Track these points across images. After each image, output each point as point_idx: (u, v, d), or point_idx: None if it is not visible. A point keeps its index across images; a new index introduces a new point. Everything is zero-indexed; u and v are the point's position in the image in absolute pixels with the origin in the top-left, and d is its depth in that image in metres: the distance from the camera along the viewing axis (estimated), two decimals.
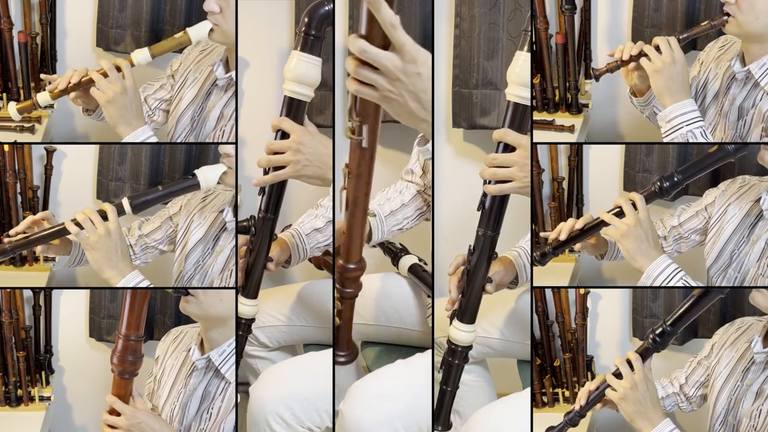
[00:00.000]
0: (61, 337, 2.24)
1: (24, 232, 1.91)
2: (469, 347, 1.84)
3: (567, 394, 2.20)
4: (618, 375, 1.81)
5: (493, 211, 1.75)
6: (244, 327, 1.97)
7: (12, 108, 2.01)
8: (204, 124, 2.06)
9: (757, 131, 1.92)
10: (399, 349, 2.17)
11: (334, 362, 1.95)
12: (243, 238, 1.94)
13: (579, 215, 2.21)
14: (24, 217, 2.03)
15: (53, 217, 1.94)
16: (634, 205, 1.81)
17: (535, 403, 2.18)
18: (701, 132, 1.85)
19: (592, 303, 2.20)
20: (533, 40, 2.16)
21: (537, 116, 2.20)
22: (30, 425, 2.18)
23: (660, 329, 1.79)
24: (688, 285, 1.80)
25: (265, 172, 1.82)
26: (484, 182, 1.73)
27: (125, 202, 1.90)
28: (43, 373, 2.22)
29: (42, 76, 2.03)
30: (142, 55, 1.98)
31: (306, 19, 1.76)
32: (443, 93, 2.40)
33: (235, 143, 2.01)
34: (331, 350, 1.96)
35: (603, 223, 1.82)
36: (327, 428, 1.96)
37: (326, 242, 2.08)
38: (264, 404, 1.93)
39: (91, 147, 2.22)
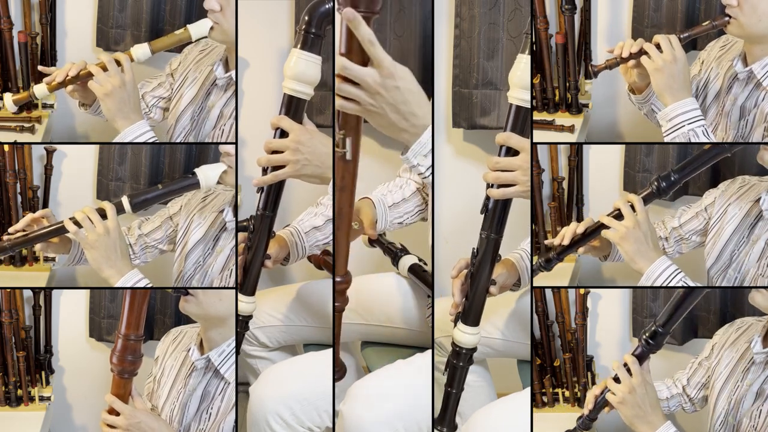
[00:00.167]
0: (61, 337, 2.24)
1: (23, 230, 1.91)
2: (474, 349, 1.85)
3: (567, 394, 2.20)
4: (617, 379, 1.81)
5: (496, 214, 1.75)
6: (241, 324, 1.97)
7: (8, 99, 2.01)
8: (204, 124, 2.06)
9: (759, 131, 1.92)
10: (399, 349, 2.17)
11: (335, 365, 1.95)
12: (242, 236, 1.94)
13: (579, 215, 2.22)
14: (24, 217, 2.03)
15: (52, 215, 1.94)
16: (633, 207, 1.81)
17: (535, 403, 2.18)
18: (703, 131, 1.84)
19: (592, 303, 2.20)
20: (533, 40, 2.16)
21: (537, 116, 2.20)
22: (30, 425, 2.18)
23: (652, 330, 1.79)
24: (687, 286, 1.80)
25: (264, 171, 1.82)
26: (487, 186, 1.73)
27: (125, 201, 1.90)
28: (43, 373, 2.22)
29: (40, 68, 2.02)
30: (141, 50, 1.98)
31: (306, 17, 1.75)
32: (443, 93, 2.40)
33: (235, 143, 2.01)
34: (330, 350, 1.96)
35: (604, 226, 1.83)
36: (327, 428, 1.96)
37: (325, 240, 2.08)
38: (264, 404, 1.93)
39: (91, 147, 2.22)
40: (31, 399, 2.20)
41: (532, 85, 1.96)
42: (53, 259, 2.20)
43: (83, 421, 2.27)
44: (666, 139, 1.87)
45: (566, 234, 1.87)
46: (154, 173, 2.19)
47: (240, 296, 1.94)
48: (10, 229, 1.92)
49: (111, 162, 2.21)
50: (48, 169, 2.21)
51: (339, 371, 1.95)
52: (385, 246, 2.24)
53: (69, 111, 2.20)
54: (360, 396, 1.86)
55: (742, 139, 1.94)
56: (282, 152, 1.79)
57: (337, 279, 1.88)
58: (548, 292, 2.18)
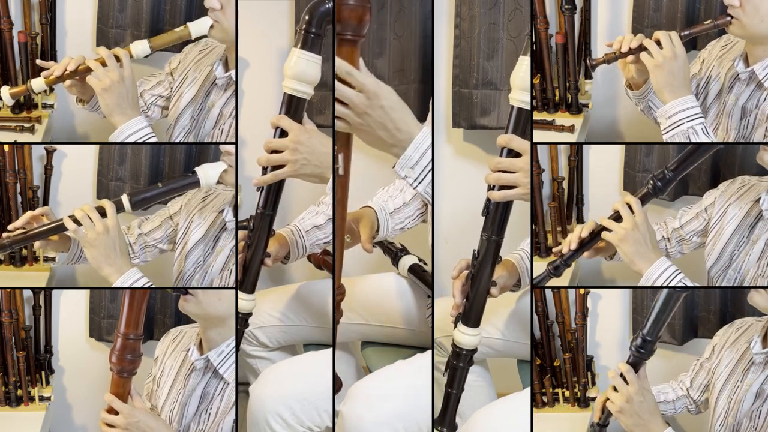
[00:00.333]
0: (61, 337, 2.24)
1: (23, 228, 1.91)
2: (474, 350, 1.84)
3: (567, 394, 2.20)
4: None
5: (497, 215, 1.75)
6: (241, 321, 1.97)
7: (5, 92, 2.00)
8: (203, 123, 2.06)
9: (760, 131, 1.91)
10: (399, 349, 2.17)
11: (334, 362, 1.95)
12: (242, 234, 1.94)
13: (579, 215, 2.22)
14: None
15: (52, 213, 1.94)
16: (631, 208, 1.81)
17: (535, 403, 2.18)
18: (702, 128, 1.84)
19: (592, 303, 2.20)
20: (533, 40, 2.16)
21: (537, 116, 2.20)
22: (30, 425, 2.18)
23: (639, 339, 1.80)
24: (686, 286, 1.80)
25: (265, 170, 1.82)
26: (489, 188, 1.74)
27: (124, 199, 1.90)
28: (43, 373, 2.22)
29: (38, 62, 2.02)
30: (141, 46, 1.98)
31: (306, 17, 1.75)
32: (443, 93, 2.40)
33: (235, 143, 2.01)
34: (330, 350, 1.96)
35: (605, 229, 1.83)
36: (327, 428, 1.96)
37: (326, 239, 2.08)
38: (264, 404, 1.93)
39: (91, 147, 2.22)
40: (31, 399, 2.20)
41: (532, 85, 1.96)
42: (53, 259, 2.20)
43: (83, 421, 2.27)
44: (665, 137, 1.86)
45: (572, 240, 1.87)
46: (154, 173, 2.19)
47: (240, 294, 1.94)
48: (10, 227, 1.92)
49: (111, 162, 2.21)
50: (48, 169, 2.21)
51: (335, 385, 1.95)
52: (385, 246, 2.24)
53: (69, 111, 2.19)
54: (360, 396, 1.86)
55: (743, 139, 1.94)
56: (281, 152, 1.79)
57: None
58: (548, 292, 2.18)
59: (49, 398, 2.21)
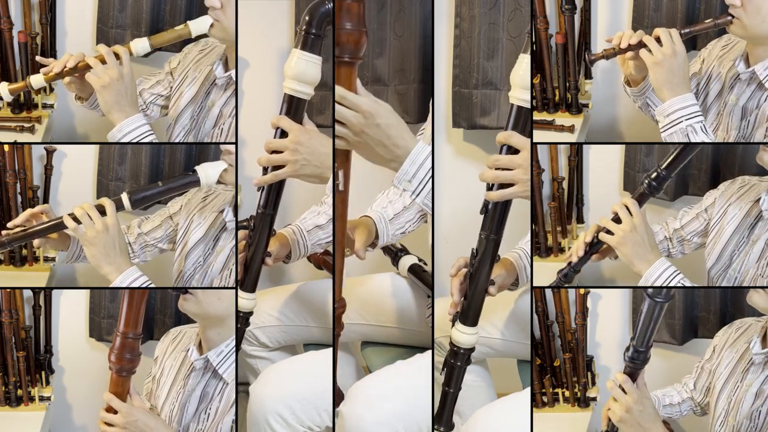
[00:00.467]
0: (61, 337, 2.24)
1: (22, 226, 1.91)
2: (472, 349, 1.84)
3: (567, 394, 2.20)
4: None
5: (496, 214, 1.75)
6: (242, 320, 1.97)
7: (4, 88, 2.00)
8: (203, 123, 2.06)
9: (760, 132, 1.91)
10: (399, 349, 2.17)
11: (335, 362, 1.95)
12: (242, 233, 1.95)
13: (579, 215, 2.22)
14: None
15: (51, 211, 1.94)
16: (629, 210, 1.82)
17: (535, 403, 2.18)
18: (701, 127, 1.83)
19: (592, 303, 2.20)
20: (533, 40, 2.16)
21: (537, 116, 2.20)
22: (30, 425, 2.18)
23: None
24: (685, 286, 1.80)
25: (265, 170, 1.83)
26: (487, 187, 1.73)
27: (124, 197, 1.90)
28: (43, 373, 2.22)
29: (38, 58, 2.02)
30: (141, 44, 1.98)
31: (307, 18, 1.76)
32: (443, 93, 2.40)
33: (235, 143, 2.01)
34: (330, 350, 1.96)
35: (608, 231, 1.84)
36: (327, 428, 1.96)
37: (327, 239, 2.08)
38: (264, 403, 1.93)
39: (91, 147, 2.22)
40: (31, 399, 2.20)
41: (532, 85, 1.96)
42: (53, 259, 2.21)
43: (83, 421, 2.27)
44: (663, 135, 1.86)
45: (578, 247, 1.89)
46: (154, 173, 2.19)
47: (240, 293, 1.95)
48: (9, 224, 1.92)
49: (111, 162, 2.21)
50: (48, 169, 2.21)
51: (337, 399, 1.95)
52: (385, 246, 2.24)
53: (69, 111, 2.20)
54: (360, 396, 1.86)
55: (743, 139, 1.93)
56: (282, 152, 1.80)
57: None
58: (548, 292, 2.18)
59: (49, 398, 2.21)
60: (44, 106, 2.18)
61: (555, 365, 2.21)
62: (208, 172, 1.93)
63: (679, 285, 1.80)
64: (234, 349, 1.88)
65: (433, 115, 2.09)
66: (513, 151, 1.71)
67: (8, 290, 2.18)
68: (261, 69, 2.37)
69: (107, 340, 2.21)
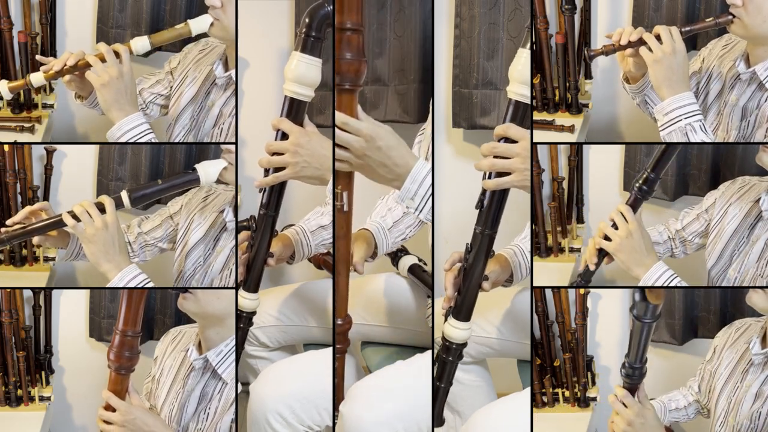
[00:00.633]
0: (61, 337, 2.24)
1: (21, 223, 1.91)
2: (464, 345, 1.84)
3: (567, 394, 2.20)
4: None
5: (491, 209, 1.75)
6: (245, 320, 1.98)
7: (3, 86, 2.00)
8: (203, 123, 2.07)
9: (760, 132, 1.91)
10: (399, 349, 2.17)
11: (334, 362, 1.95)
12: (245, 234, 1.96)
13: (579, 215, 2.22)
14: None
15: (51, 209, 1.94)
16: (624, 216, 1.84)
17: (535, 403, 2.18)
18: (700, 126, 1.83)
19: (592, 303, 2.20)
20: (533, 40, 2.15)
21: (537, 116, 2.20)
22: (30, 425, 2.18)
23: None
24: (685, 287, 1.81)
25: (266, 172, 1.84)
26: (483, 177, 1.73)
27: (124, 195, 1.90)
28: (43, 373, 2.22)
29: (38, 57, 2.02)
30: (141, 42, 1.98)
31: (306, 20, 1.78)
32: (443, 93, 2.40)
33: (235, 143, 2.01)
34: (330, 349, 1.96)
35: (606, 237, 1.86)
36: (327, 427, 1.96)
37: (331, 239, 2.08)
38: (264, 403, 1.93)
39: (91, 147, 2.22)
40: (31, 399, 2.20)
41: (532, 85, 1.96)
42: (53, 259, 2.21)
43: (83, 421, 2.27)
44: (662, 134, 1.85)
45: (591, 254, 1.90)
46: (154, 173, 2.19)
47: (243, 293, 1.95)
48: (8, 221, 1.91)
49: (111, 162, 2.21)
50: (48, 169, 2.21)
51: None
52: None
53: (69, 111, 2.19)
54: (360, 396, 1.86)
55: (743, 140, 1.93)
56: (282, 154, 1.80)
57: (338, 321, 1.91)
58: (548, 292, 2.18)
59: (49, 398, 2.21)
60: (44, 106, 2.18)
61: (555, 365, 2.21)
62: (207, 170, 1.93)
63: (677, 285, 1.81)
64: (233, 349, 1.88)
65: (433, 115, 2.09)
66: (511, 143, 1.71)
67: (8, 290, 2.18)
68: (261, 69, 2.37)
69: (107, 340, 2.21)
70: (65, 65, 1.95)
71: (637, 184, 1.85)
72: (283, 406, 1.92)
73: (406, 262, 2.19)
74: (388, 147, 1.71)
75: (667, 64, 1.82)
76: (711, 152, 2.13)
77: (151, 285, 1.88)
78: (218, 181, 1.96)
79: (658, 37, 1.83)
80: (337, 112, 1.71)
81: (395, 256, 2.22)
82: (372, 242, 2.02)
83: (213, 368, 1.86)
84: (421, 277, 2.15)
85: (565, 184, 2.22)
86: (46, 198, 2.20)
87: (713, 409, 1.95)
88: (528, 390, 1.90)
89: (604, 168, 2.20)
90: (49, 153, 2.20)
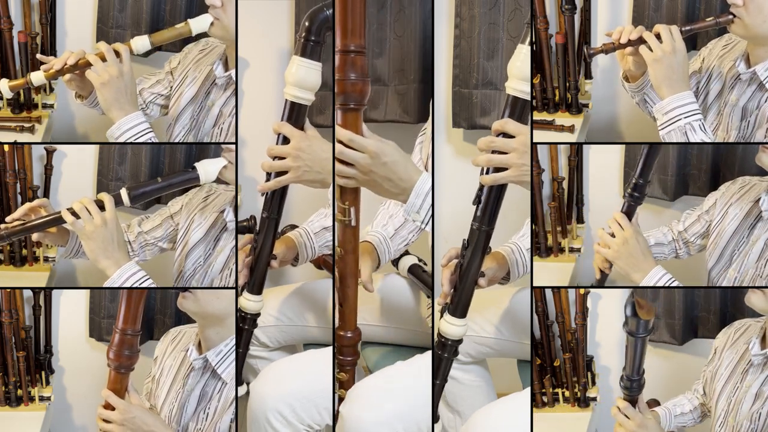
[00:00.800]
0: (61, 337, 2.24)
1: (21, 220, 1.91)
2: (460, 341, 1.84)
3: (567, 394, 2.20)
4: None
5: (488, 205, 1.75)
6: (249, 322, 1.99)
7: (4, 84, 2.00)
8: (203, 123, 2.07)
9: (760, 132, 1.91)
10: (399, 349, 2.17)
11: (334, 362, 1.95)
12: (248, 237, 1.97)
13: (579, 215, 2.22)
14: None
15: (50, 205, 1.94)
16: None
17: (535, 403, 2.18)
18: (700, 125, 1.82)
19: (592, 303, 2.20)
20: (533, 40, 2.15)
21: (537, 116, 2.20)
22: (30, 425, 2.18)
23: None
24: (685, 287, 1.82)
25: (268, 176, 1.86)
26: (480, 173, 1.73)
27: (123, 193, 1.90)
28: (43, 373, 2.22)
29: (38, 56, 2.02)
30: (141, 42, 1.98)
31: (306, 24, 1.80)
32: (443, 93, 2.40)
33: (235, 143, 2.01)
34: (330, 348, 1.96)
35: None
36: (327, 426, 1.96)
37: None
38: (264, 401, 1.93)
39: (91, 147, 2.22)
40: (31, 399, 2.20)
41: (532, 85, 1.96)
42: (53, 259, 2.21)
43: (83, 421, 2.27)
44: (662, 133, 1.85)
45: (601, 261, 1.95)
46: (154, 173, 2.20)
47: (247, 295, 1.96)
48: (8, 218, 1.92)
49: (111, 162, 2.21)
50: (48, 169, 2.21)
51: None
52: None
53: (69, 111, 2.19)
54: (360, 397, 1.86)
55: (743, 140, 1.93)
56: (284, 158, 1.83)
57: (348, 334, 1.93)
58: (548, 292, 2.18)
59: (49, 398, 2.21)
60: (44, 106, 2.18)
61: (555, 365, 2.21)
62: (207, 168, 1.93)
63: (676, 286, 1.82)
64: (233, 348, 1.88)
65: (433, 115, 2.09)
66: (509, 138, 1.71)
67: (8, 290, 2.18)
68: (261, 69, 2.37)
69: (107, 339, 2.20)
70: (66, 64, 1.95)
71: (628, 191, 1.87)
72: (284, 404, 1.92)
73: (406, 262, 2.19)
74: (394, 162, 1.74)
75: (667, 63, 1.82)
76: (711, 152, 2.13)
77: (150, 283, 1.88)
78: (218, 180, 1.96)
79: (658, 36, 1.83)
80: (342, 130, 1.74)
81: None
82: (375, 255, 2.03)
83: (213, 368, 1.87)
84: (421, 278, 2.15)
85: (565, 184, 2.22)
86: (46, 198, 2.20)
87: (713, 410, 1.95)
88: (528, 390, 1.90)
89: (604, 168, 2.20)
90: (49, 153, 2.20)
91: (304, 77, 1.81)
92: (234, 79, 2.04)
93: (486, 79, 2.33)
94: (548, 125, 2.20)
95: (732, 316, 2.09)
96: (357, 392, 1.88)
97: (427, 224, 1.78)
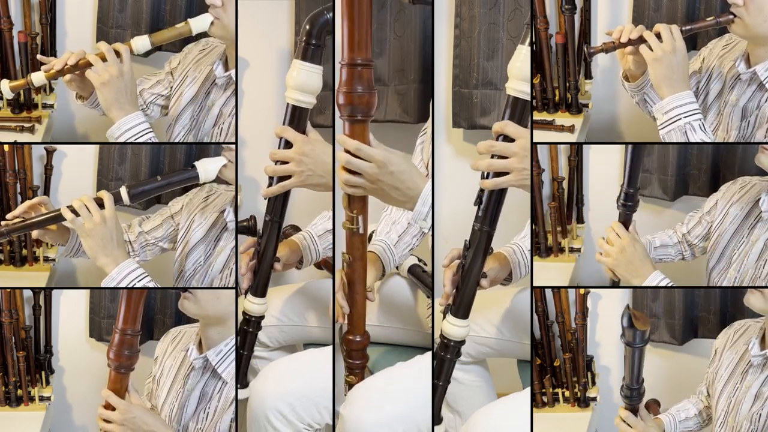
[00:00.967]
0: (61, 337, 2.24)
1: (21, 217, 1.91)
2: (462, 342, 1.84)
3: (567, 394, 2.20)
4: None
5: (489, 206, 1.75)
6: (253, 325, 1.99)
7: (5, 85, 2.00)
8: (203, 123, 2.07)
9: (760, 133, 1.91)
10: (399, 349, 2.17)
11: (334, 362, 1.95)
12: (251, 240, 1.97)
13: (579, 215, 2.22)
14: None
15: (50, 203, 1.94)
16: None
17: (535, 403, 2.18)
18: (700, 125, 1.82)
19: (592, 303, 2.20)
20: (533, 40, 2.15)
21: (537, 116, 2.20)
22: (30, 425, 2.18)
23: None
24: (684, 287, 1.83)
25: (270, 180, 1.87)
26: (481, 176, 1.73)
27: (123, 191, 1.90)
28: (43, 373, 2.22)
29: (39, 57, 2.02)
30: (141, 42, 1.98)
31: (307, 27, 1.81)
32: (443, 93, 2.40)
33: (235, 143, 2.01)
34: (330, 347, 1.96)
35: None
36: (327, 425, 1.96)
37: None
38: (264, 401, 1.93)
39: (91, 147, 2.22)
40: (31, 399, 2.20)
41: (532, 85, 1.96)
42: (53, 260, 2.21)
43: (83, 421, 2.27)
44: (661, 133, 1.85)
45: (606, 270, 1.96)
46: (154, 173, 2.19)
47: (250, 297, 1.96)
48: (8, 216, 1.92)
49: (111, 162, 2.21)
50: (48, 169, 2.21)
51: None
52: None
53: (69, 111, 2.20)
54: (360, 398, 1.86)
55: (743, 140, 1.93)
56: (287, 162, 1.84)
57: (357, 338, 1.93)
58: (548, 292, 2.18)
59: (49, 398, 2.22)
60: (44, 106, 2.18)
61: (555, 365, 2.21)
62: (207, 167, 1.93)
63: (674, 286, 1.83)
64: (233, 348, 1.88)
65: (433, 115, 2.09)
66: (509, 141, 1.70)
67: (8, 290, 2.18)
68: (261, 69, 2.36)
69: (107, 340, 2.21)
70: (66, 64, 1.95)
71: (620, 204, 1.89)
72: (283, 403, 1.92)
73: (406, 262, 2.19)
74: (401, 171, 1.74)
75: (667, 62, 1.82)
76: (711, 152, 2.13)
77: (149, 281, 1.88)
78: (218, 180, 1.96)
79: (658, 36, 1.83)
80: (350, 139, 1.74)
81: None
82: (380, 265, 2.03)
83: (213, 368, 1.87)
84: (421, 278, 2.15)
85: (565, 184, 2.22)
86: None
87: (714, 410, 1.95)
88: (528, 390, 1.90)
89: (604, 168, 2.20)
90: (49, 153, 2.20)
91: (306, 81, 1.82)
92: (234, 79, 2.04)
93: (486, 79, 2.33)
94: (548, 125, 2.20)
95: (732, 317, 2.09)
96: (357, 393, 1.88)
97: (429, 231, 1.79)
